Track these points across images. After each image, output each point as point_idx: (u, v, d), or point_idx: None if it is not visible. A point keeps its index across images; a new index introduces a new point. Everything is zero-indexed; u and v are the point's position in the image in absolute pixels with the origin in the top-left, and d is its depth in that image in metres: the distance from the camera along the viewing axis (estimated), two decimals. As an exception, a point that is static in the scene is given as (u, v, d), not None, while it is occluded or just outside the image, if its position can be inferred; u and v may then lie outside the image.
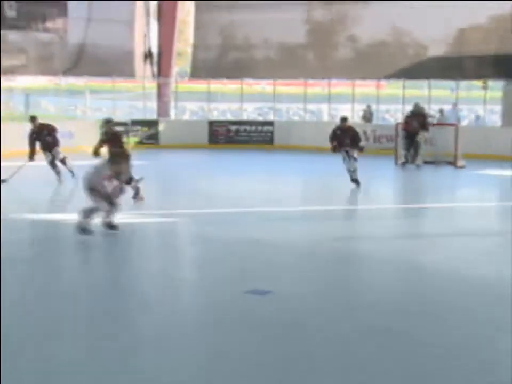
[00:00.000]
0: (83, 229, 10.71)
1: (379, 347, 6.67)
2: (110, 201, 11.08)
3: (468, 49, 26.56)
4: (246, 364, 6.07)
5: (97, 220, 11.24)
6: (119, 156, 12.42)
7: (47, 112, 29.99)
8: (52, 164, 16.69)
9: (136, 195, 14.06)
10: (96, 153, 14.90)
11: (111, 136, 15.37)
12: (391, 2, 25.92)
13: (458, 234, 12.93)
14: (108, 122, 15.98)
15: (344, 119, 16.86)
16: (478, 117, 28.58)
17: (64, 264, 10.80)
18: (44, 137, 16.32)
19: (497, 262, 10.43)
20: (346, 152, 15.92)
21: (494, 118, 28.39)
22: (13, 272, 9.19)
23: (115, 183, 11.11)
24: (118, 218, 12.32)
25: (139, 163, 18.51)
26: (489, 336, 6.90)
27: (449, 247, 11.74)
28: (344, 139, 16.08)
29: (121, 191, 11.55)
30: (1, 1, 24.50)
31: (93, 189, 10.87)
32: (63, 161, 16.80)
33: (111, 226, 11.41)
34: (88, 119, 27.24)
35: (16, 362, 5.92)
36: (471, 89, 30.55)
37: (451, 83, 27.50)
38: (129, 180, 13.18)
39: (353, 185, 17.80)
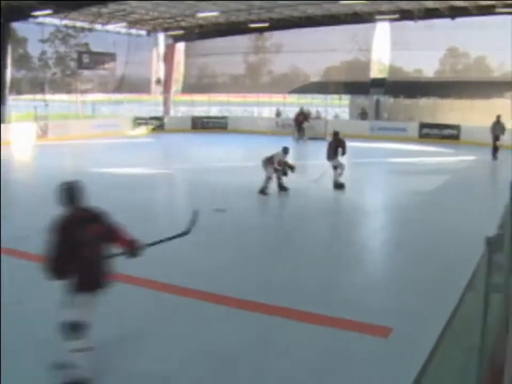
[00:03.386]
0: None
1: (292, 240, 10.96)
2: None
3: (330, 78, 37.56)
4: (214, 245, 9.90)
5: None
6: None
7: (104, 113, 39.63)
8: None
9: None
10: None
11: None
12: (290, 53, 37.32)
13: (325, 174, 16.82)
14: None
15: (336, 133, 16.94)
16: (336, 115, 37.60)
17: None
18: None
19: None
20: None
21: (344, 115, 37.75)
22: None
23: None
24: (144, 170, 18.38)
25: (151, 140, 29.66)
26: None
27: (324, 182, 16.23)
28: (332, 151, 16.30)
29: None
30: (81, 53, 34.85)
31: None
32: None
33: (282, 188, 15.37)
34: (126, 116, 35.76)
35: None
36: (333, 99, 39.11)
37: (322, 96, 38.47)
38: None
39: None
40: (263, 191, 15.36)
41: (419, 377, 2.06)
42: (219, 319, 7.09)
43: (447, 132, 30.23)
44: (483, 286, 2.69)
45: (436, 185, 17.54)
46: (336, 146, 16.55)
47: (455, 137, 29.65)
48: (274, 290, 8.08)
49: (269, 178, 15.34)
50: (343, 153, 16.52)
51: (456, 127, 30.12)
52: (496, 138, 22.88)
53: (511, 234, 3.59)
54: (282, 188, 15.56)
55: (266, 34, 38.51)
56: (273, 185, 15.19)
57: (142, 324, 6.94)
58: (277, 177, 15.58)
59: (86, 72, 36.76)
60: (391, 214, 14.28)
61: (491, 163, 22.48)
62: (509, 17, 28.67)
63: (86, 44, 35.71)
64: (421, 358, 2.61)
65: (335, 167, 16.41)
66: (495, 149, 22.80)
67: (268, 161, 15.30)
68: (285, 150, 15.56)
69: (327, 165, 16.44)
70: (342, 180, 16.37)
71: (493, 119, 23.21)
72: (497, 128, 23.06)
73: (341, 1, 29.62)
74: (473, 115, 30.39)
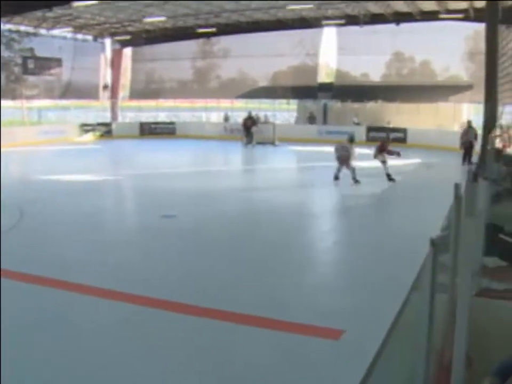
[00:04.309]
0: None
1: (242, 244, 10.98)
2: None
3: (278, 83, 37.84)
4: (161, 250, 10.10)
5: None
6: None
7: (50, 119, 39.29)
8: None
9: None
10: None
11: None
12: (238, 58, 37.64)
13: (276, 180, 18.90)
14: None
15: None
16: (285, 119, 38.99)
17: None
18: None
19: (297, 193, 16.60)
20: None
21: (292, 119, 38.14)
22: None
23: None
24: (92, 177, 18.50)
25: (99, 147, 29.32)
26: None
27: (271, 187, 17.19)
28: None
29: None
30: (26, 58, 33.78)
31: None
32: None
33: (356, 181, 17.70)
34: (73, 123, 35.83)
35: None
36: (281, 103, 39.82)
37: (270, 100, 38.88)
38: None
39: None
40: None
41: (365, 378, 2.07)
42: (167, 324, 7.04)
43: (393, 135, 30.49)
44: (429, 286, 2.74)
45: (383, 188, 17.82)
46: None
47: (402, 140, 29.84)
48: (222, 294, 8.04)
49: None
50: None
51: (403, 130, 30.54)
52: (470, 144, 22.91)
53: (455, 235, 3.68)
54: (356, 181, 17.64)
55: (214, 39, 38.56)
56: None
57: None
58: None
59: (31, 78, 36.16)
60: (338, 217, 14.45)
61: (436, 166, 22.81)
62: (452, 22, 29.38)
63: (31, 49, 34.94)
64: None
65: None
66: (469, 154, 22.77)
67: (345, 156, 17.35)
68: (351, 139, 17.65)
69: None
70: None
71: (439, 122, 23.44)
72: (471, 133, 23.12)
73: (288, 7, 29.73)
74: (419, 118, 30.99)
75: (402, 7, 29.64)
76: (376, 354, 2.28)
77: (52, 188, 16.68)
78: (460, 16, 29.16)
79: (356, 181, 17.53)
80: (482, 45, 15.76)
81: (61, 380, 5.57)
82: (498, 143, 15.37)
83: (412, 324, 3.15)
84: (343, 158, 17.54)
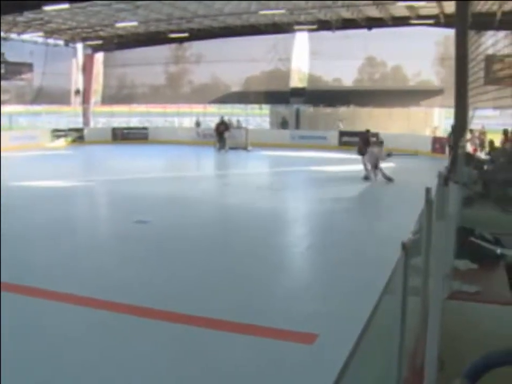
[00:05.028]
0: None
1: (215, 249, 11.16)
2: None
3: (251, 88, 37.58)
4: (136, 255, 10.17)
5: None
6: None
7: (21, 125, 39.44)
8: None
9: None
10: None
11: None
12: (211, 63, 37.38)
13: (247, 184, 19.15)
14: None
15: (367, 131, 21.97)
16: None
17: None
18: None
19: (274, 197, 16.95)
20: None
21: (265, 124, 39.39)
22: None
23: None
24: (64, 182, 18.20)
25: (71, 152, 29.28)
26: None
27: (245, 192, 17.59)
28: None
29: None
30: None
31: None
32: None
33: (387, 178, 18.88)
34: (44, 128, 36.19)
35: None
36: (253, 108, 40.68)
37: (243, 105, 39.34)
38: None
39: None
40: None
41: (337, 381, 2.08)
42: (144, 331, 6.99)
43: (365, 139, 30.72)
44: (401, 289, 2.77)
45: (356, 192, 18.01)
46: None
47: (374, 145, 29.90)
48: (194, 299, 8.04)
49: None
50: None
51: (375, 135, 30.55)
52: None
53: (427, 238, 3.71)
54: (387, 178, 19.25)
55: (186, 44, 38.52)
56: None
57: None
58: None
59: (2, 83, 34.45)
60: (311, 221, 14.48)
61: (409, 169, 22.88)
62: (423, 28, 29.70)
63: (2, 54, 33.84)
64: (346, 363, 2.63)
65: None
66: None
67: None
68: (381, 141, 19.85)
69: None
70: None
71: (411, 126, 23.49)
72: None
73: (260, 12, 29.82)
74: (391, 123, 31.21)
75: (374, 12, 29.89)
76: (349, 357, 2.29)
77: (23, 194, 16.60)
78: (430, 21, 29.49)
79: (389, 179, 19.29)
80: (452, 50, 15.89)
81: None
82: (469, 147, 15.49)
83: (384, 326, 3.16)
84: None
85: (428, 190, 3.95)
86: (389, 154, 19.62)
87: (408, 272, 2.76)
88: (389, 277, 3.09)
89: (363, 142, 21.06)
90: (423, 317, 3.43)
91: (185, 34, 36.06)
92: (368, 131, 21.77)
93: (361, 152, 20.47)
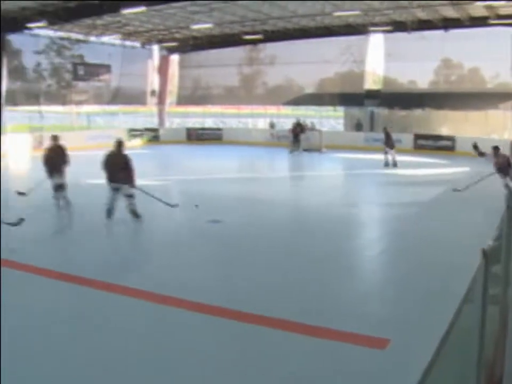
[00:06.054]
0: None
1: (289, 250, 10.73)
2: None
3: (325, 89, 37.53)
4: (205, 254, 10.24)
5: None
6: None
7: (99, 125, 39.62)
8: None
9: None
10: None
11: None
12: (284, 64, 37.34)
13: (323, 186, 18.86)
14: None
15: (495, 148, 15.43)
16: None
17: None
18: None
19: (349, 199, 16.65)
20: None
21: (339, 126, 38.07)
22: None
23: None
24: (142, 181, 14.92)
25: (147, 152, 29.15)
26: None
27: (319, 193, 17.23)
28: None
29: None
30: (76, 64, 34.65)
31: None
32: None
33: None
34: (120, 128, 35.47)
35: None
36: (327, 110, 39.34)
37: (317, 107, 38.28)
38: None
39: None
40: None
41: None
42: (209, 329, 7.05)
43: (442, 143, 30.18)
44: (480, 298, 2.70)
45: (432, 196, 17.50)
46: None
47: (450, 149, 29.47)
48: (266, 300, 8.04)
49: None
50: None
51: (451, 138, 30.05)
52: None
53: (507, 245, 3.62)
54: None
55: (260, 46, 38.52)
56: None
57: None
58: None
59: (81, 84, 36.85)
60: (386, 225, 14.22)
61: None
62: (502, 28, 28.85)
63: (81, 56, 35.63)
64: (419, 370, 2.58)
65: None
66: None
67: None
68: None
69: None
70: None
71: (488, 130, 22.75)
72: None
73: (335, 14, 29.60)
74: (467, 126, 30.52)
75: (450, 13, 29.15)
76: (429, 365, 2.24)
77: (99, 192, 16.79)
78: (510, 21, 28.55)
79: None
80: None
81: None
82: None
83: (462, 336, 3.08)
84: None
85: (509, 196, 3.84)
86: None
87: (489, 280, 2.70)
88: (469, 284, 3.01)
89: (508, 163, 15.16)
90: (501, 326, 3.35)
91: (259, 36, 36.01)
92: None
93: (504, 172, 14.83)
